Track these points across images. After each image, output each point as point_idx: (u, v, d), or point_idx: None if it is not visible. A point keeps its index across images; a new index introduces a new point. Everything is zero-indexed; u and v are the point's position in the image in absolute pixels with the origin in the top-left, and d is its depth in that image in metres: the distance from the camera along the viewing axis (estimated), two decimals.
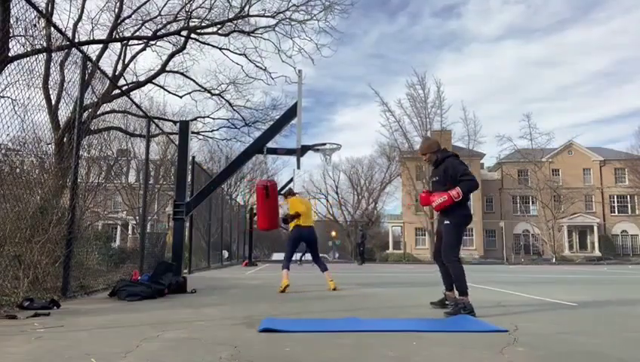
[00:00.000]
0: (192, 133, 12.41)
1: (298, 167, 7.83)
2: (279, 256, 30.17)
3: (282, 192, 8.66)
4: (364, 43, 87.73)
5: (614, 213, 41.09)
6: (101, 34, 15.32)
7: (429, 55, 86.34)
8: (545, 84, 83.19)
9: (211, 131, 19.50)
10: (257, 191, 7.51)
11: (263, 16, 16.33)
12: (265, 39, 16.91)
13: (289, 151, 7.98)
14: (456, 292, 4.32)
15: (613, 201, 41.42)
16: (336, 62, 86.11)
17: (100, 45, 14.64)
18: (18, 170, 5.68)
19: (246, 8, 15.89)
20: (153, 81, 16.81)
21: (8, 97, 4.63)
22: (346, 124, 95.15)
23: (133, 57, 16.17)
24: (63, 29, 7.32)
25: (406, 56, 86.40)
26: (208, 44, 17.00)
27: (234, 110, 18.51)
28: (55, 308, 4.42)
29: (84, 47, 10.24)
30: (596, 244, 39.42)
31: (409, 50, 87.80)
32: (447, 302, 4.55)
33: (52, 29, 5.91)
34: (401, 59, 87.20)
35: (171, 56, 16.49)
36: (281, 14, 16.21)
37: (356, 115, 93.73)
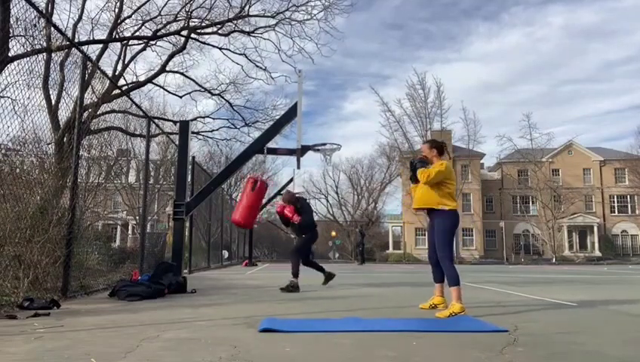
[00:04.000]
0: (192, 133, 12.42)
1: (298, 167, 7.83)
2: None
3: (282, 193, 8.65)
4: (382, 7, 78.62)
5: (614, 213, 41.09)
6: (101, 34, 15.33)
7: (457, 25, 77.71)
8: (588, 61, 76.23)
9: (211, 131, 19.51)
10: (248, 184, 7.49)
11: (263, 16, 16.35)
12: (265, 39, 16.94)
13: (289, 151, 7.98)
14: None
15: (613, 201, 41.41)
16: (347, 35, 72.01)
17: (100, 45, 14.64)
18: (18, 170, 5.68)
19: (246, 8, 15.91)
20: (153, 81, 16.82)
21: (8, 97, 4.62)
22: (357, 113, 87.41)
23: (133, 57, 16.17)
24: (63, 29, 7.31)
25: (431, 26, 78.47)
26: (208, 44, 17.02)
27: (234, 110, 18.53)
28: (55, 308, 4.41)
29: (84, 47, 10.24)
30: (596, 244, 39.42)
31: (434, 17, 79.09)
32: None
33: (52, 29, 5.90)
34: (424, 31, 78.52)
35: (171, 56, 16.49)
36: (281, 14, 16.23)
37: (368, 101, 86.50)
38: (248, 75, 18.27)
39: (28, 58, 5.29)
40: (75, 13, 15.05)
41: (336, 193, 51.24)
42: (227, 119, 19.16)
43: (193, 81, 17.93)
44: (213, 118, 19.28)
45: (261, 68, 17.45)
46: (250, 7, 15.93)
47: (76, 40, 12.25)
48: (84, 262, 7.02)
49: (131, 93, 14.74)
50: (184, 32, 15.88)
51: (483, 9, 79.80)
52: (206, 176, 14.78)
